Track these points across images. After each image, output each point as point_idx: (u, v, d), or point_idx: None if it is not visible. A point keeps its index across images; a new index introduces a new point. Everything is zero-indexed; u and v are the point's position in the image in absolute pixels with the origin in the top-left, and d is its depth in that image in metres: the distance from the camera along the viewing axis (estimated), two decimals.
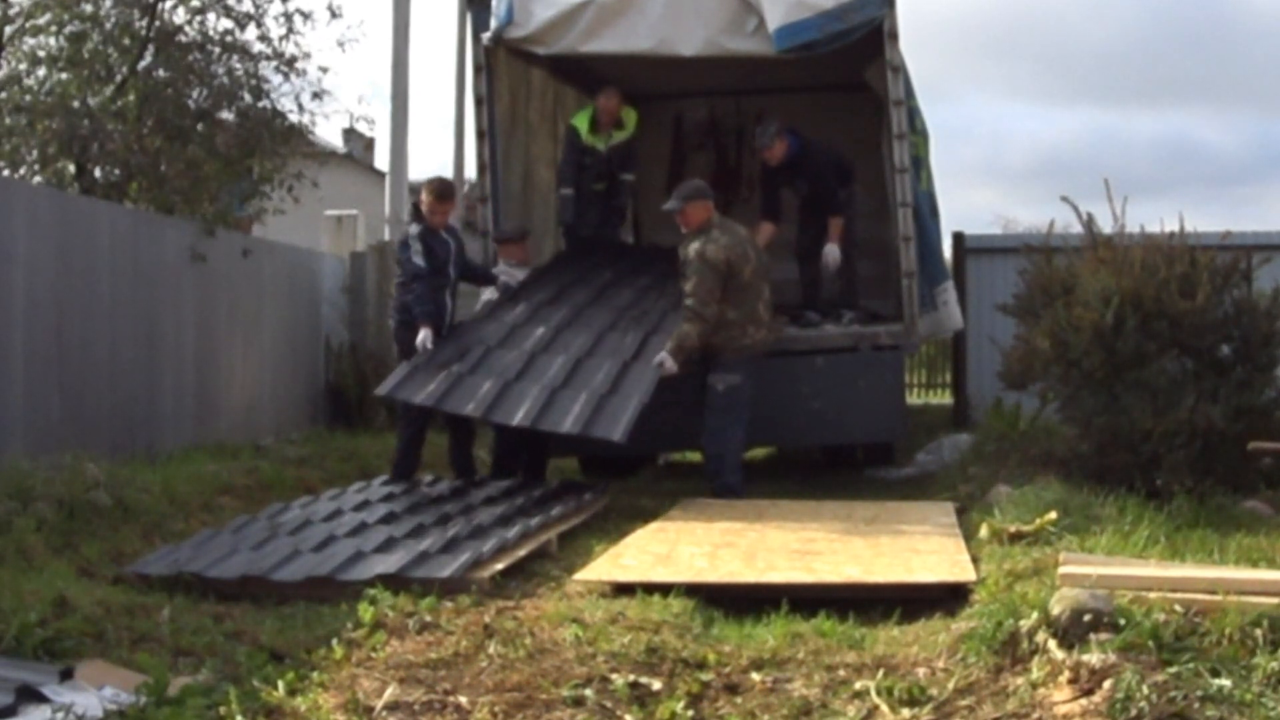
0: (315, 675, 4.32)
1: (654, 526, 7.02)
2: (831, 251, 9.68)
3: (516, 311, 8.72)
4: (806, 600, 5.36)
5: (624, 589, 5.51)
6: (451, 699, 4.10)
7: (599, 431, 7.50)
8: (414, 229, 8.55)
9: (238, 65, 11.12)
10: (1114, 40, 79.29)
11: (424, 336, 8.22)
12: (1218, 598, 4.34)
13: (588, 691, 4.18)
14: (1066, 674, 3.98)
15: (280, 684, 4.16)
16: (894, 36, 9.21)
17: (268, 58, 11.24)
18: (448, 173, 17.71)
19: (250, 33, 11.21)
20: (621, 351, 8.20)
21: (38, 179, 10.36)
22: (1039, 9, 77.67)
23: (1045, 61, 79.15)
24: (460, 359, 8.08)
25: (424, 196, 8.62)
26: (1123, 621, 4.22)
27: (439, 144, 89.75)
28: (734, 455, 8.22)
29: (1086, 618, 4.25)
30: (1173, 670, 3.89)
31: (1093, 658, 3.98)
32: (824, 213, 9.80)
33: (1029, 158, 76.20)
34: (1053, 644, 4.21)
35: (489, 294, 9.22)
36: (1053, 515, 6.26)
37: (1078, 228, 8.59)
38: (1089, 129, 75.46)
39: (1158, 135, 78.80)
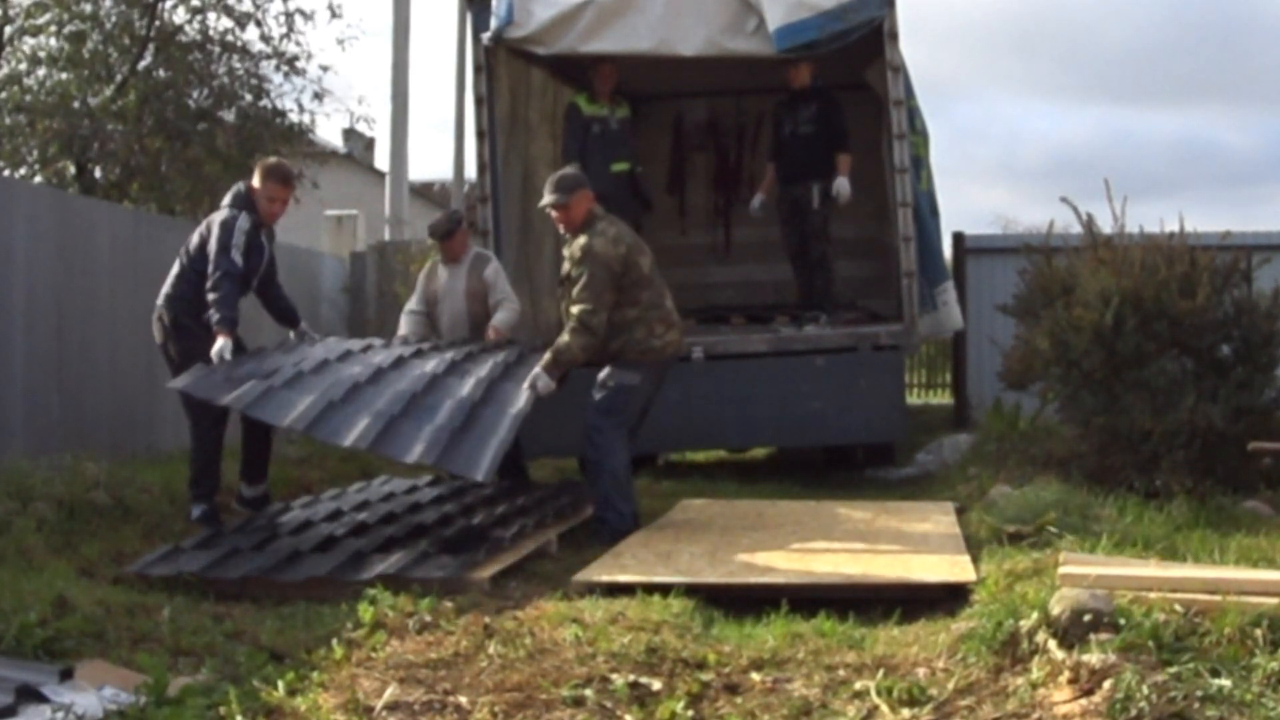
0: (315, 675, 4.31)
1: (654, 526, 7.03)
2: (842, 184, 9.68)
3: (328, 344, 7.47)
4: (806, 600, 5.35)
5: (624, 589, 5.50)
6: (451, 699, 4.10)
7: (457, 468, 6.39)
8: (246, 220, 7.13)
9: (238, 65, 11.14)
10: (1130, 39, 79.63)
11: (221, 345, 6.82)
12: (1218, 598, 4.33)
13: (588, 691, 4.17)
14: (1066, 674, 3.97)
15: (280, 684, 4.15)
16: (894, 36, 9.24)
17: (268, 57, 11.26)
18: (447, 173, 17.69)
19: (250, 32, 11.24)
20: (463, 393, 6.75)
21: (38, 179, 10.38)
22: (1056, 8, 77.84)
23: (1061, 60, 79.44)
24: (266, 377, 6.60)
25: (263, 181, 7.24)
26: (1123, 621, 4.22)
27: (439, 144, 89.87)
28: (613, 460, 7.05)
29: (1086, 618, 4.25)
30: (1173, 670, 3.88)
31: (1093, 658, 3.97)
32: (810, 176, 9.84)
33: (1043, 157, 76.58)
34: (1053, 644, 4.20)
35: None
36: (1053, 515, 6.26)
37: (1078, 228, 8.60)
38: (1104, 128, 75.83)
39: (1173, 134, 79.25)
